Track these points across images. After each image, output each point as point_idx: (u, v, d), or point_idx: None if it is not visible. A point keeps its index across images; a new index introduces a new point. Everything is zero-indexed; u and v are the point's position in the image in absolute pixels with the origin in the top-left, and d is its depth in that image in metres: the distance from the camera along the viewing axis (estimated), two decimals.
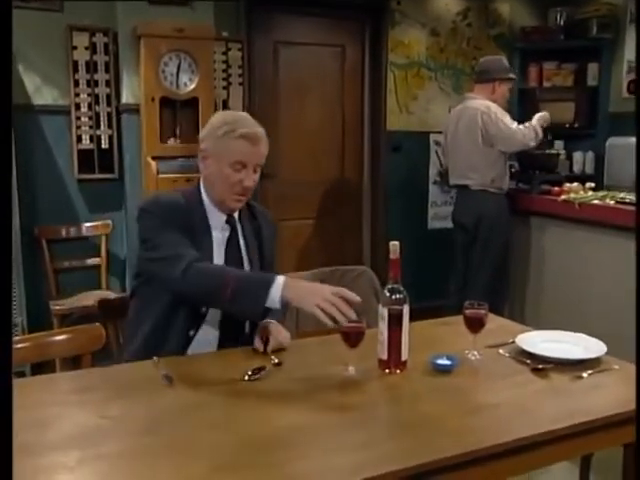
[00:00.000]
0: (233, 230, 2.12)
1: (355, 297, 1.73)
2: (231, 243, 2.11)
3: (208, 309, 2.02)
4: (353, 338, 1.75)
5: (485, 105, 4.14)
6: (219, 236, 2.09)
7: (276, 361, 1.86)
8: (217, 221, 2.10)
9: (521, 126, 4.13)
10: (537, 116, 4.23)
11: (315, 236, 5.16)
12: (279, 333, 1.99)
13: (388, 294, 1.78)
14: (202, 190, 2.10)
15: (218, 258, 2.07)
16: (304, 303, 1.74)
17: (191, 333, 2.01)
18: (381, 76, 5.13)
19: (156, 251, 1.96)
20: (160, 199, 2.10)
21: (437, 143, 5.16)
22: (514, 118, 5.30)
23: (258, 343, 1.97)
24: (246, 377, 1.74)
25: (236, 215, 2.14)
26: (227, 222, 2.11)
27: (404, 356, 1.80)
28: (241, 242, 2.14)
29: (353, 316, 1.71)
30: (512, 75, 4.33)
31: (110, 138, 4.08)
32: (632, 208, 3.53)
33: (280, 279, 1.80)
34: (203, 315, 2.02)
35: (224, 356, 1.97)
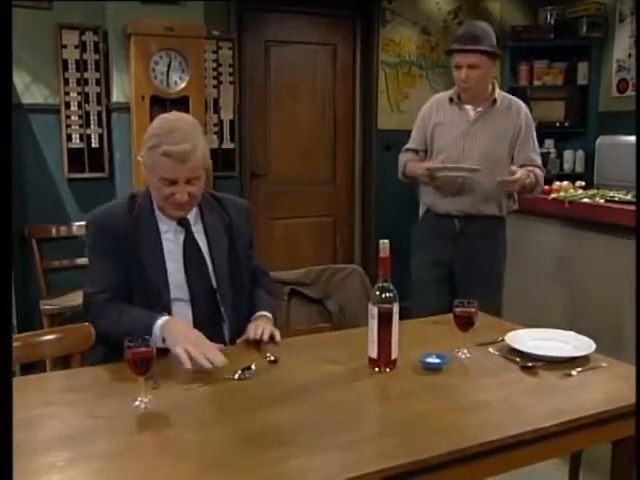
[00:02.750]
0: (188, 232, 2.07)
1: (219, 357, 1.76)
2: (189, 245, 2.06)
3: (171, 314, 1.97)
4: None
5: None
6: (172, 240, 2.05)
7: (272, 358, 1.87)
8: (168, 225, 2.06)
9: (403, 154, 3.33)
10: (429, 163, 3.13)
11: (306, 235, 5.16)
12: (268, 324, 2.04)
13: (378, 292, 1.78)
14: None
15: (176, 262, 2.03)
16: (173, 344, 1.79)
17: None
18: (372, 75, 5.13)
19: (86, 278, 2.11)
20: (97, 215, 2.08)
21: None
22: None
23: (252, 333, 2.00)
24: (235, 376, 1.74)
25: (191, 217, 2.09)
26: (180, 224, 2.06)
27: (394, 354, 1.80)
28: (201, 244, 2.08)
29: (219, 363, 1.75)
30: (456, 46, 3.04)
31: (100, 137, 4.06)
32: (621, 206, 3.54)
33: (159, 322, 1.85)
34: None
35: None
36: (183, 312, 2.01)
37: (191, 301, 2.03)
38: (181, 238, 2.06)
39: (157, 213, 2.05)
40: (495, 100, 3.08)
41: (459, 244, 3.13)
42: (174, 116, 2.05)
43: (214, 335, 1.99)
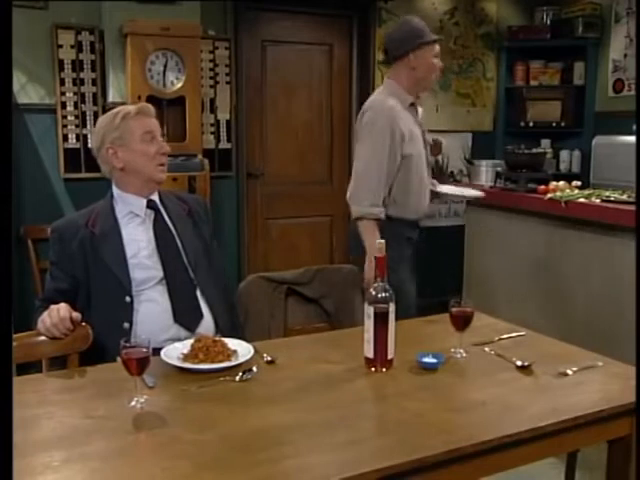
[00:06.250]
0: (157, 213, 2.20)
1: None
2: (159, 224, 2.19)
3: (132, 298, 2.07)
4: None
5: (373, 101, 2.89)
6: (139, 224, 2.17)
7: (269, 359, 1.86)
8: (138, 209, 2.18)
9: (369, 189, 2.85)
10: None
11: (302, 235, 5.16)
12: None
13: (374, 292, 1.78)
14: (115, 193, 2.20)
15: (147, 245, 2.14)
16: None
17: (126, 325, 2.05)
18: (369, 74, 5.13)
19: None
20: (58, 225, 2.18)
21: None
22: (501, 117, 5.21)
23: None
24: (237, 378, 1.73)
25: (157, 198, 2.22)
26: (149, 207, 2.19)
27: (390, 354, 1.80)
28: (169, 222, 2.21)
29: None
30: (430, 37, 2.96)
31: None
32: (618, 206, 3.54)
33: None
34: (129, 303, 2.07)
35: None
36: (159, 290, 2.11)
37: (165, 277, 2.12)
38: (149, 221, 2.18)
39: (120, 207, 2.17)
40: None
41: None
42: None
43: (191, 307, 2.12)
